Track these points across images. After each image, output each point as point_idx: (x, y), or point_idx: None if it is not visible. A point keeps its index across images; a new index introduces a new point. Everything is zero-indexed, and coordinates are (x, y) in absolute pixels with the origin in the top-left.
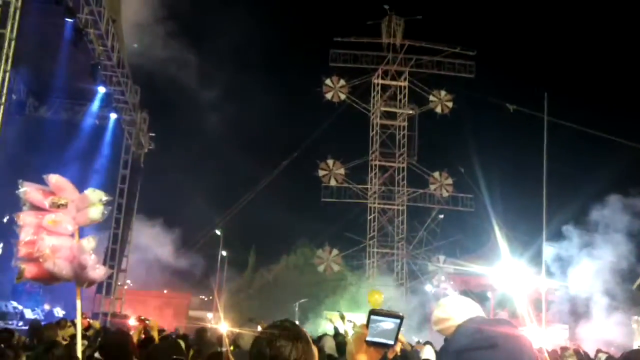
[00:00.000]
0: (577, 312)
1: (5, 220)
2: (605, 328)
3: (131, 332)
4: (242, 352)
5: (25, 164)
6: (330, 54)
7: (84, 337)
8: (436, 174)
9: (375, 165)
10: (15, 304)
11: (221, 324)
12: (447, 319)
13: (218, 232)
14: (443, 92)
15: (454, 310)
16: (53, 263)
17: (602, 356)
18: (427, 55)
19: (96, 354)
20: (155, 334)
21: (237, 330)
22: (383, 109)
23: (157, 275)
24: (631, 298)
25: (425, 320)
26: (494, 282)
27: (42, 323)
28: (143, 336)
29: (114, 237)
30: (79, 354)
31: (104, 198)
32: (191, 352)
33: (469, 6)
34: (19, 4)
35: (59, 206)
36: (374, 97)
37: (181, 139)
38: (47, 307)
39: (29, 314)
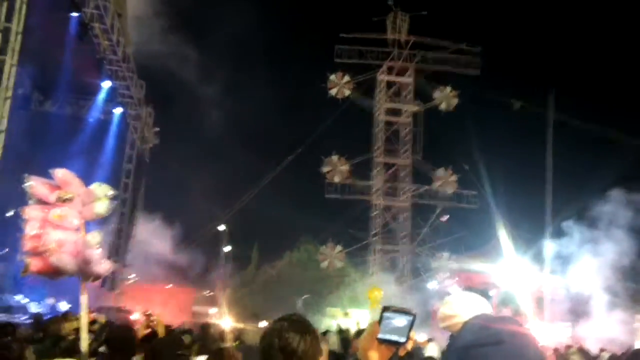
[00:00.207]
0: (579, 310)
1: (10, 214)
2: (607, 326)
3: (136, 327)
4: (248, 347)
5: (31, 158)
6: (335, 50)
7: (89, 331)
8: (440, 171)
9: (380, 161)
10: (19, 297)
11: (224, 320)
12: (453, 315)
13: (222, 228)
14: (448, 89)
15: (460, 307)
16: (58, 257)
17: (605, 355)
18: (432, 52)
19: (101, 348)
20: (160, 329)
21: (241, 325)
22: (387, 105)
23: (161, 270)
24: (634, 296)
25: (428, 317)
26: (497, 279)
27: (46, 317)
28: (147, 331)
29: (118, 231)
30: (84, 349)
31: (110, 192)
32: (196, 347)
33: (474, 2)
34: None
35: (64, 200)
36: (378, 94)
37: (186, 134)
38: (51, 301)
39: (33, 308)
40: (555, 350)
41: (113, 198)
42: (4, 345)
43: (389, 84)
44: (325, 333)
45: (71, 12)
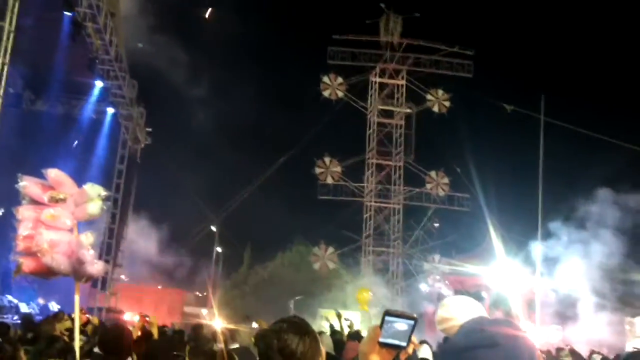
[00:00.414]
0: (568, 313)
1: (0, 213)
2: (597, 328)
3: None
4: (244, 348)
5: (22, 158)
6: (328, 52)
7: (81, 332)
8: (433, 173)
9: (372, 163)
10: (10, 297)
11: (216, 320)
12: (450, 318)
13: (214, 229)
14: (440, 91)
15: (457, 310)
16: (51, 258)
17: (597, 357)
18: (425, 54)
19: (95, 349)
20: (154, 331)
21: (232, 327)
22: (380, 107)
23: (152, 271)
24: (623, 298)
25: (420, 319)
26: (489, 282)
27: (37, 317)
28: (140, 333)
29: (110, 232)
30: (77, 349)
31: (103, 193)
32: (187, 348)
33: (467, 5)
34: None
35: (57, 201)
36: (371, 96)
37: (178, 135)
38: (41, 301)
39: (24, 308)
40: (547, 352)
41: (106, 199)
42: None
43: (382, 86)
44: (319, 334)
45: (64, 11)
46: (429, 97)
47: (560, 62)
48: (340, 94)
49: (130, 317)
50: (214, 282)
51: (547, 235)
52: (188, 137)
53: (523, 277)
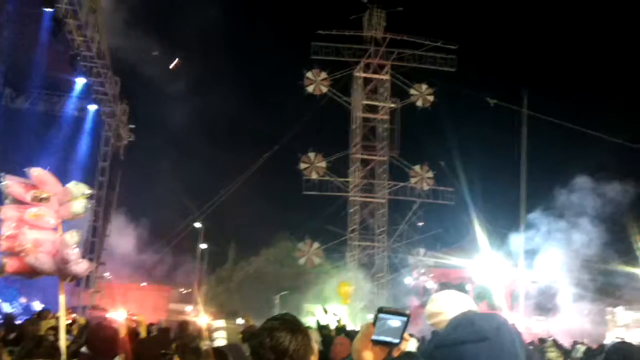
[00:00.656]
0: (550, 304)
1: None
2: (578, 319)
3: (114, 326)
4: (234, 345)
5: (2, 156)
6: (312, 47)
7: (67, 332)
8: (417, 168)
9: (357, 158)
10: None
11: (201, 317)
12: (439, 313)
13: (198, 225)
14: (424, 86)
15: (446, 304)
16: (35, 257)
17: (581, 347)
18: (409, 49)
19: (83, 349)
20: (143, 330)
21: (217, 323)
22: (364, 102)
23: (136, 268)
24: (603, 289)
25: None
26: (473, 274)
27: (20, 317)
28: (126, 332)
29: (93, 229)
30: (63, 349)
31: (87, 191)
32: (174, 345)
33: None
34: None
35: (40, 200)
36: (355, 91)
37: (161, 131)
38: (23, 300)
39: (7, 308)
40: (531, 343)
41: (90, 197)
42: None
43: (366, 81)
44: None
45: (44, 7)
46: (412, 91)
47: (542, 56)
48: (324, 89)
49: (115, 315)
50: (198, 279)
51: (530, 227)
52: (172, 133)
53: (506, 269)
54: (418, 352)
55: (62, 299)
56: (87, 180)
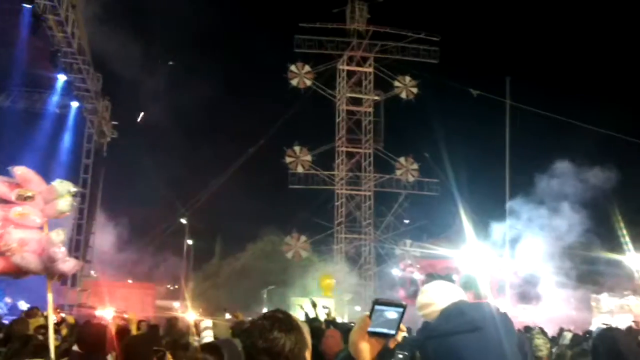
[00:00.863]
0: (535, 292)
1: None
2: (564, 307)
3: (103, 323)
4: (228, 341)
5: None
6: (295, 40)
7: (55, 331)
8: (402, 160)
9: (342, 151)
10: None
11: (189, 313)
12: (430, 304)
13: (184, 221)
14: (408, 78)
15: (436, 295)
16: (21, 257)
17: (568, 335)
18: (392, 41)
19: (74, 347)
20: (133, 327)
21: (208, 319)
22: (349, 95)
23: (122, 266)
24: (587, 276)
25: None
26: (459, 264)
27: (6, 317)
28: (115, 329)
29: (78, 227)
30: (52, 349)
31: (73, 189)
32: (163, 342)
33: None
34: None
35: (25, 198)
36: (339, 84)
37: (144, 128)
38: (8, 300)
39: None
40: (517, 331)
41: (75, 195)
42: None
43: (350, 74)
44: None
45: (23, 2)
46: (396, 84)
47: (525, 47)
48: (308, 82)
49: (103, 313)
50: (185, 275)
51: (515, 216)
52: (155, 129)
53: (491, 258)
54: (406, 342)
55: (50, 297)
56: (71, 177)
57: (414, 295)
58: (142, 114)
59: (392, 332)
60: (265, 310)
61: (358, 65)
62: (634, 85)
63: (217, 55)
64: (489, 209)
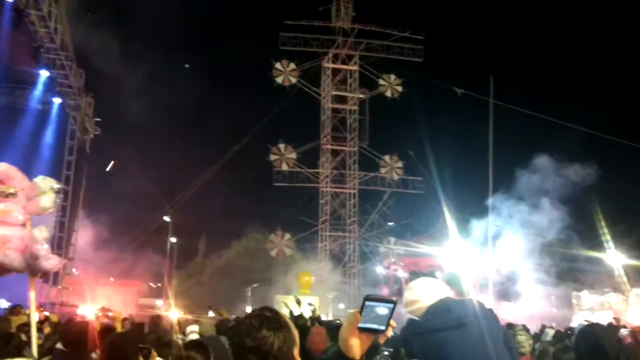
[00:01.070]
0: (516, 289)
1: None
2: (545, 304)
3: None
4: (214, 338)
5: None
6: (280, 38)
7: (38, 329)
8: (387, 158)
9: (327, 149)
10: None
11: (172, 311)
12: (416, 300)
13: (167, 219)
14: (392, 76)
15: (423, 292)
16: (4, 254)
17: (550, 331)
18: (377, 39)
19: (58, 345)
20: (118, 325)
21: (188, 316)
22: (334, 92)
23: (105, 264)
24: (568, 274)
25: None
26: (443, 261)
27: None
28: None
29: (61, 224)
30: (34, 348)
31: (55, 186)
32: (149, 339)
33: None
34: None
35: (7, 195)
36: (324, 81)
37: (128, 125)
38: None
39: None
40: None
41: (58, 191)
42: None
43: (335, 72)
44: None
45: None
46: (381, 82)
47: (508, 46)
48: (293, 80)
49: (85, 311)
50: (168, 273)
51: (497, 213)
52: (138, 126)
53: (474, 256)
54: (390, 340)
55: (32, 295)
56: (53, 174)
57: (398, 293)
58: (112, 162)
59: (382, 327)
60: (249, 308)
61: (343, 63)
62: (616, 85)
63: (202, 52)
64: (473, 207)
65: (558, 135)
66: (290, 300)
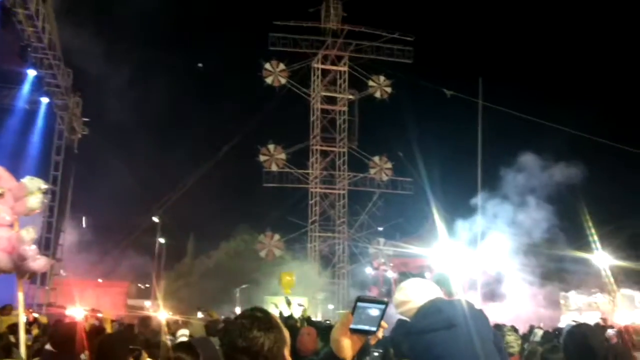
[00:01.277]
0: (504, 290)
1: None
2: (533, 305)
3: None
4: (204, 339)
5: None
6: (269, 38)
7: (26, 331)
8: (376, 159)
9: (316, 150)
10: None
11: (161, 312)
12: (407, 301)
13: (156, 219)
14: (382, 78)
15: (413, 293)
16: None
17: (539, 332)
18: (367, 41)
19: (47, 346)
20: (107, 326)
21: (177, 318)
22: (323, 93)
23: (93, 264)
24: (556, 274)
25: None
26: (432, 262)
27: None
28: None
29: (48, 225)
30: (23, 349)
31: (43, 186)
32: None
33: None
34: None
35: None
36: (314, 82)
37: (116, 124)
38: None
39: None
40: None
41: (45, 192)
42: None
43: (324, 73)
44: None
45: None
46: (370, 83)
47: (497, 48)
48: (282, 80)
49: (73, 312)
50: (157, 274)
51: (485, 214)
52: (127, 126)
53: (463, 257)
54: (380, 341)
55: (20, 296)
56: (41, 174)
57: (387, 293)
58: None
59: (374, 329)
60: (238, 309)
61: (333, 64)
62: (603, 87)
63: (191, 53)
64: (462, 208)
65: (546, 136)
66: (279, 300)
